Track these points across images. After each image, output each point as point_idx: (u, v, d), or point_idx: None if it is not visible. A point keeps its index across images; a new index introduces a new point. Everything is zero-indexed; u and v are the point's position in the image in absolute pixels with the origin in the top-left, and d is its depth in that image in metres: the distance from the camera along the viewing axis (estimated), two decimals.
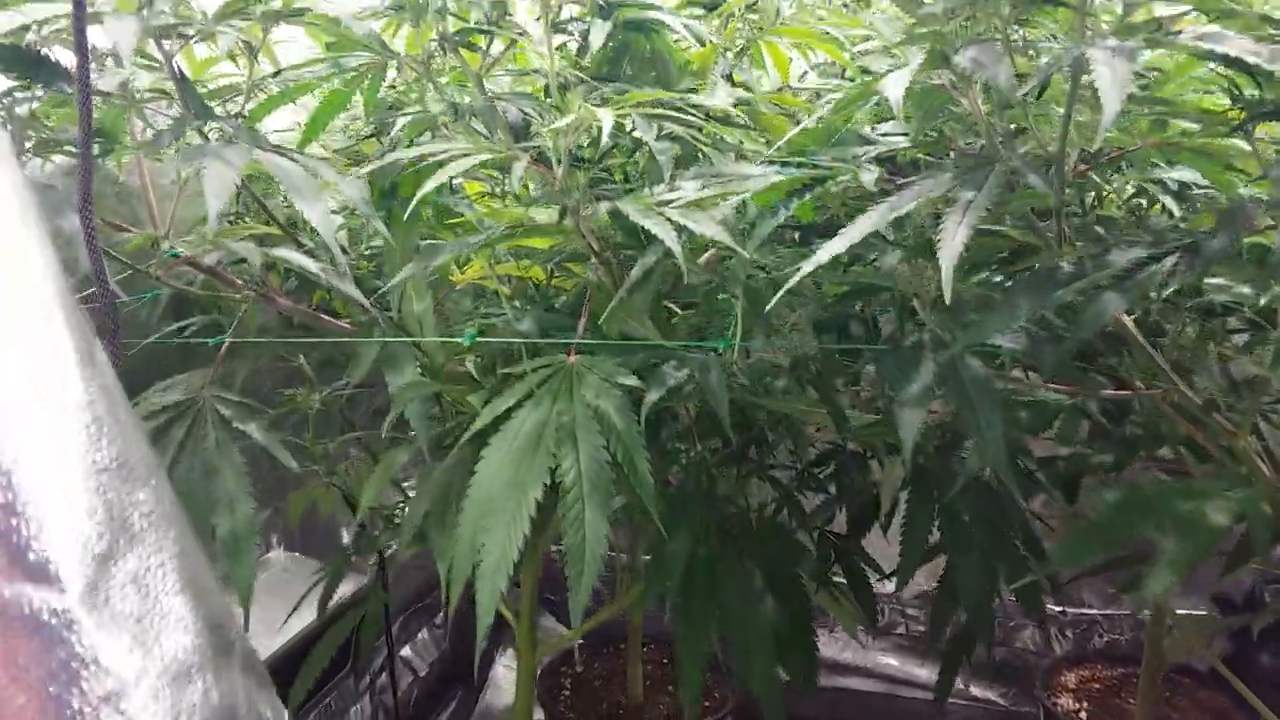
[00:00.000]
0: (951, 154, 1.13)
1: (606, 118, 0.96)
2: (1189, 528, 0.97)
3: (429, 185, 0.96)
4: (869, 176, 1.00)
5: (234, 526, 1.19)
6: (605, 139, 0.94)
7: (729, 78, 1.30)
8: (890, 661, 2.72)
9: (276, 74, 1.13)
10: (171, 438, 1.25)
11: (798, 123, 1.32)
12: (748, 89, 1.28)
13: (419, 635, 2.58)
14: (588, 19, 1.15)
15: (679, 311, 1.22)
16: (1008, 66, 0.85)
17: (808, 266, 0.87)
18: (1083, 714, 2.37)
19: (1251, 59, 0.70)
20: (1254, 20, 0.79)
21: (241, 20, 1.05)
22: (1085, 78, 0.75)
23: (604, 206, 1.04)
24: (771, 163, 1.15)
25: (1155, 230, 0.94)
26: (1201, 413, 1.05)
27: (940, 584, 1.41)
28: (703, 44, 1.22)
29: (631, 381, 1.06)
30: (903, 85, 0.83)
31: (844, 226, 1.12)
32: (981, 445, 0.90)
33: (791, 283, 0.87)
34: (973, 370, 0.92)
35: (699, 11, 1.32)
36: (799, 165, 1.11)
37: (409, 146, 1.14)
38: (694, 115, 1.20)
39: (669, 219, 1.01)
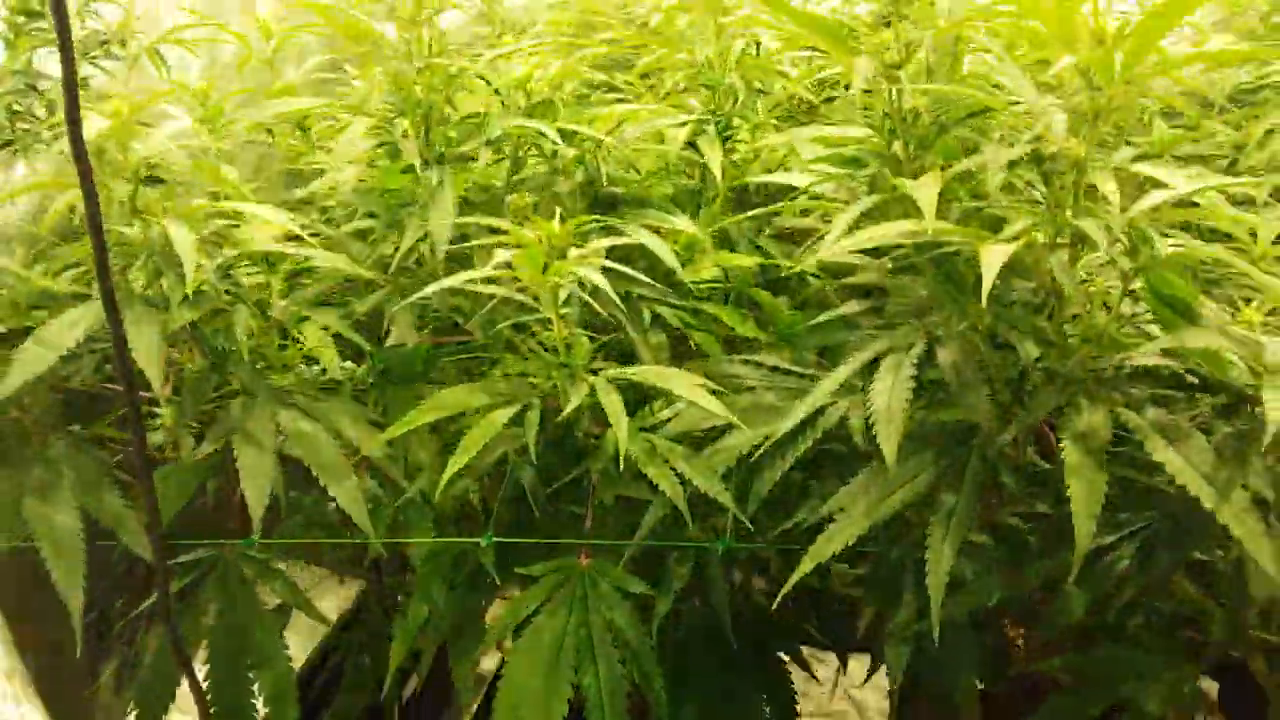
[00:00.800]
0: None
1: (616, 412, 1.03)
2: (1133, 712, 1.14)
3: (453, 465, 1.04)
4: (857, 420, 1.09)
5: (273, 681, 1.31)
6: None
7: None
8: None
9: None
10: (205, 598, 1.34)
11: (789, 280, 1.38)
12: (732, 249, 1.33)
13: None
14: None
15: None
16: (987, 402, 0.94)
17: (808, 563, 0.99)
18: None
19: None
20: None
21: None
22: None
23: (610, 442, 1.12)
24: (759, 364, 1.23)
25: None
26: None
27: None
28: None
29: (641, 589, 1.18)
30: (895, 433, 0.92)
31: None
32: (953, 685, 1.05)
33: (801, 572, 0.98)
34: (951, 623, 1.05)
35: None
36: (791, 373, 1.21)
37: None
38: (683, 307, 1.26)
39: (673, 468, 1.11)
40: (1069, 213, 0.87)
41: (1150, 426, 0.86)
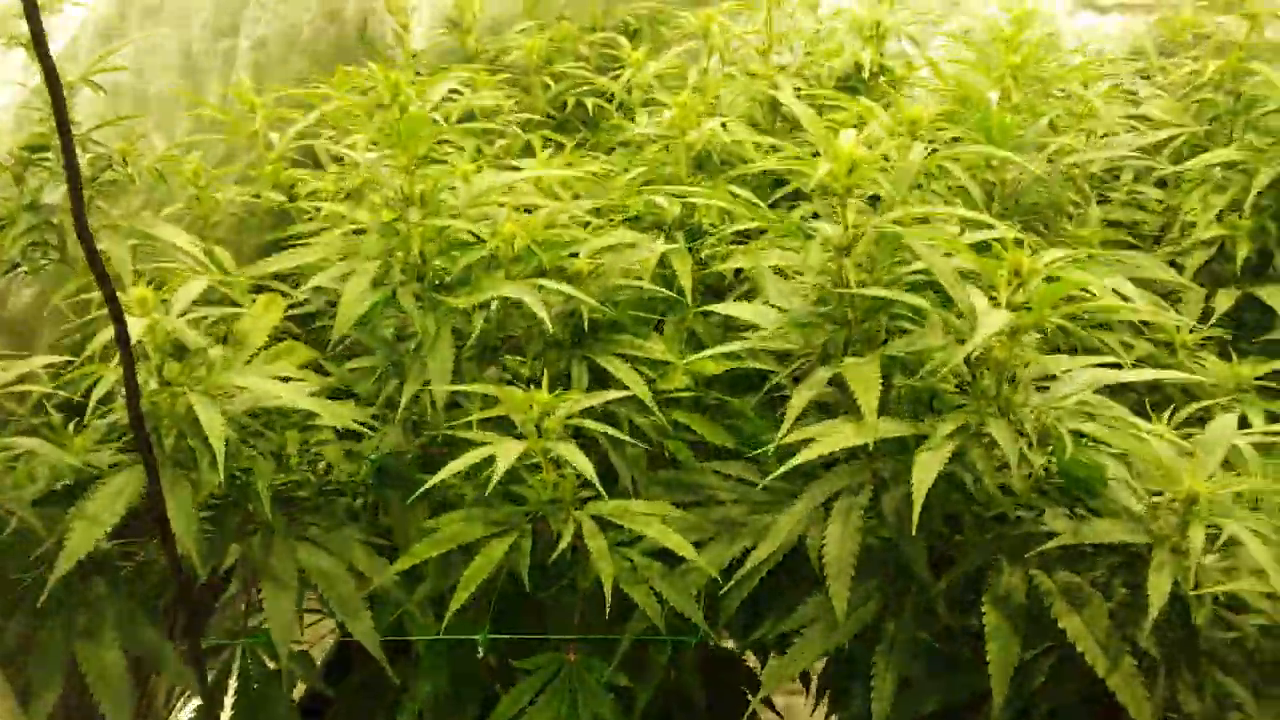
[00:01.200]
0: None
1: (601, 552, 1.17)
2: None
3: (457, 600, 1.18)
4: (814, 542, 1.23)
5: None
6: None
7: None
8: None
9: None
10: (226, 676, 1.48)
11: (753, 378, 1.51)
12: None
13: None
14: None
15: None
16: (924, 554, 1.08)
17: (771, 683, 1.14)
18: None
19: None
20: None
21: None
22: None
23: (594, 565, 1.26)
24: (728, 475, 1.37)
25: None
26: None
27: None
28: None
29: (624, 681, 1.34)
30: (844, 588, 1.07)
31: None
32: None
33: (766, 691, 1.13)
34: None
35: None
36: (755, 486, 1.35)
37: None
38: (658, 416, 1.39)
39: (651, 587, 1.25)
40: (990, 409, 1.01)
41: (1058, 590, 1.02)
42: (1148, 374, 1.06)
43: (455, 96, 2.34)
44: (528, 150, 2.28)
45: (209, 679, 1.38)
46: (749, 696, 1.65)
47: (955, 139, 1.46)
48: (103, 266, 0.98)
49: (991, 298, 1.00)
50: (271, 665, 1.47)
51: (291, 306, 1.49)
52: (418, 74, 2.73)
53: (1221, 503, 1.02)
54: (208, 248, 1.71)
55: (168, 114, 2.03)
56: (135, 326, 1.08)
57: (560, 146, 2.41)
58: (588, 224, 1.51)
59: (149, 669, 1.80)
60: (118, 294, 1.09)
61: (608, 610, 1.25)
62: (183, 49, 2.08)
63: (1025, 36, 1.89)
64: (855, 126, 1.17)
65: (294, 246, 1.78)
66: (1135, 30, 2.60)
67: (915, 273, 1.14)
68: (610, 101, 2.29)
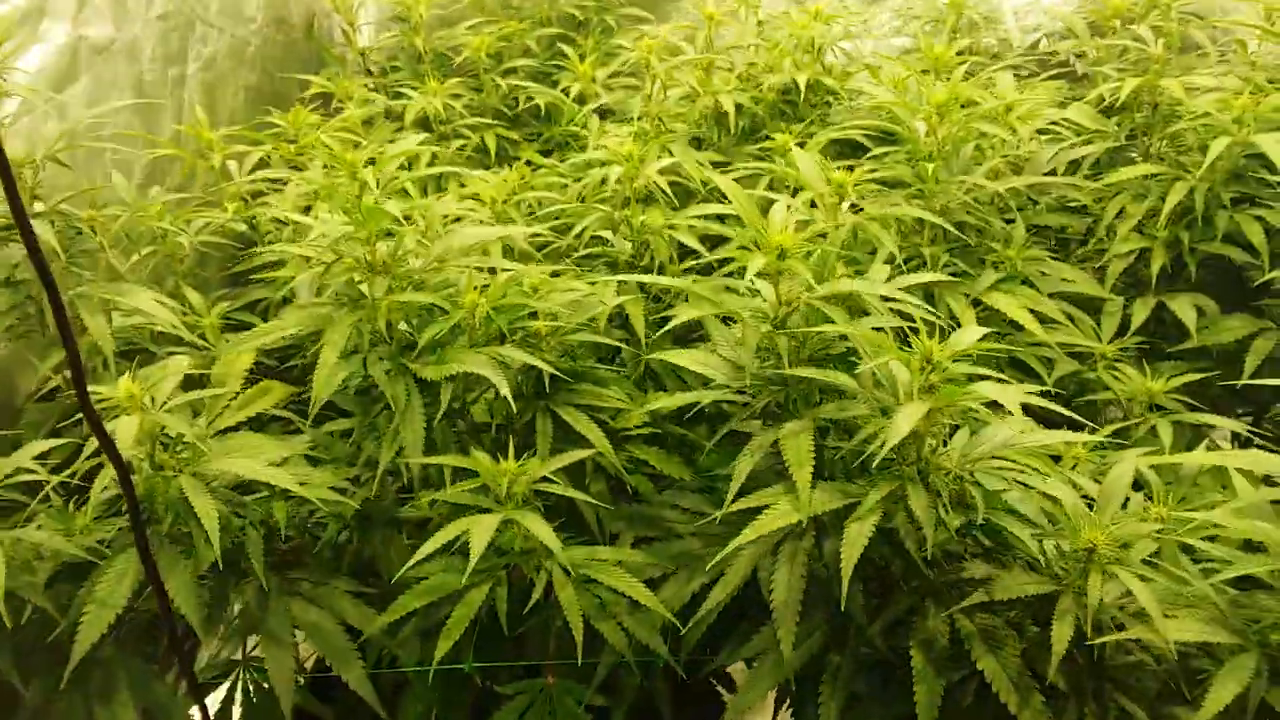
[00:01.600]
0: None
1: (570, 602, 1.29)
2: None
3: (442, 647, 1.29)
4: (765, 575, 1.36)
5: None
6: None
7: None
8: None
9: None
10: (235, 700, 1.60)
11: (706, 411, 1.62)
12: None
13: None
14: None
15: None
16: (860, 598, 1.21)
17: (732, 713, 1.27)
18: None
19: None
20: None
21: None
22: None
23: (564, 606, 1.38)
24: (685, 509, 1.49)
25: None
26: None
27: None
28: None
29: (600, 701, 1.47)
30: (790, 632, 1.19)
31: None
32: None
33: None
34: None
35: None
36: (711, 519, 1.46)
37: None
38: (615, 463, 1.50)
39: (619, 623, 1.37)
40: (912, 472, 1.12)
41: (977, 633, 1.15)
42: (1065, 435, 1.17)
43: (409, 98, 2.40)
44: (482, 149, 2.37)
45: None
46: (719, 690, 1.81)
47: (882, 183, 1.56)
48: (94, 410, 1.06)
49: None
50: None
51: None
52: (369, 73, 2.79)
53: (1126, 536, 1.15)
54: (174, 287, 1.79)
55: (125, 148, 2.07)
56: (126, 428, 1.16)
57: (515, 143, 2.49)
58: (544, 248, 1.60)
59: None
60: (103, 363, 1.18)
61: (580, 641, 1.37)
62: (134, 83, 2.11)
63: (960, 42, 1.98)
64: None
65: (257, 279, 1.89)
66: (1065, 12, 2.69)
67: (843, 337, 1.25)
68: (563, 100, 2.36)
